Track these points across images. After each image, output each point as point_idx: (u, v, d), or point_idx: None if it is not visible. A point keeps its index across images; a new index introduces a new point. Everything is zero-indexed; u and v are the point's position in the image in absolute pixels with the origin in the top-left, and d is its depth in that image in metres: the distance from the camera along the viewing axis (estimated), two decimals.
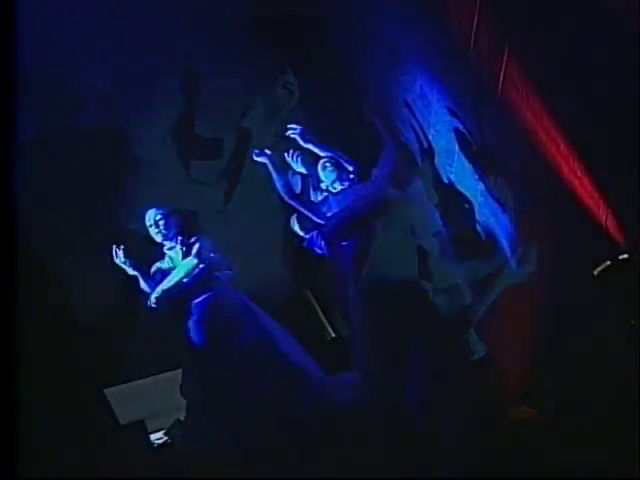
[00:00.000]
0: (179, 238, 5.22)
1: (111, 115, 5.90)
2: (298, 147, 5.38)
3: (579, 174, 4.16)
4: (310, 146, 5.35)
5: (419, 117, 5.36)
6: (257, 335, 5.09)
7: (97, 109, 5.84)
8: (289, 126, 5.42)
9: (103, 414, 4.81)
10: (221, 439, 4.74)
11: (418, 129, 5.40)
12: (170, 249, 5.27)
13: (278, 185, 5.19)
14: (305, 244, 5.28)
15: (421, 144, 5.44)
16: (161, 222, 5.27)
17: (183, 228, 5.32)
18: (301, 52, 5.93)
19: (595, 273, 3.97)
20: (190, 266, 5.15)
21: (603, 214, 4.08)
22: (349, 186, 5.18)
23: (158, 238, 5.31)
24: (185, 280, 5.14)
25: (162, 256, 5.31)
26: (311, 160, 5.36)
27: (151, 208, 5.34)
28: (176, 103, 6.10)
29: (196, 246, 5.16)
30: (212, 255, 5.20)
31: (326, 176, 5.22)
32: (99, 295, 5.57)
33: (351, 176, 5.20)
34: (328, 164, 5.21)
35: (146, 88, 5.90)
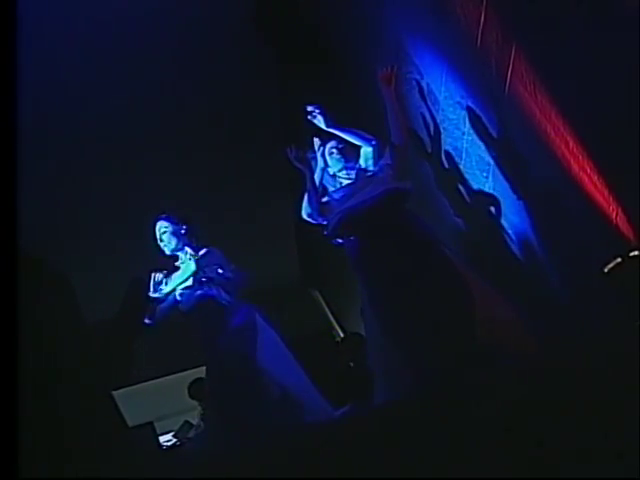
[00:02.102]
0: (187, 250, 5.17)
1: (115, 115, 5.89)
2: (320, 131, 5.14)
3: (589, 171, 4.11)
4: (332, 130, 5.07)
5: (430, 109, 5.30)
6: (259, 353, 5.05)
7: (101, 110, 5.83)
8: (309, 109, 5.11)
9: (111, 416, 4.77)
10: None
11: (429, 119, 5.34)
12: (182, 262, 5.22)
13: (311, 202, 5.00)
14: (326, 232, 4.99)
15: (429, 134, 5.38)
16: (164, 236, 5.21)
17: (191, 240, 5.24)
18: (306, 52, 5.88)
19: (605, 270, 3.92)
20: (189, 271, 5.09)
21: (613, 211, 4.03)
22: (355, 176, 5.03)
23: (167, 251, 5.25)
24: (187, 285, 5.09)
25: (174, 269, 5.27)
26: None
27: (159, 220, 5.26)
28: (178, 105, 6.08)
29: (201, 254, 5.11)
30: (220, 270, 5.12)
31: (332, 163, 5.07)
32: (106, 295, 5.56)
33: (357, 165, 5.07)
34: (334, 150, 5.05)
35: (150, 88, 5.89)
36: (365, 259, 4.80)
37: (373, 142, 5.01)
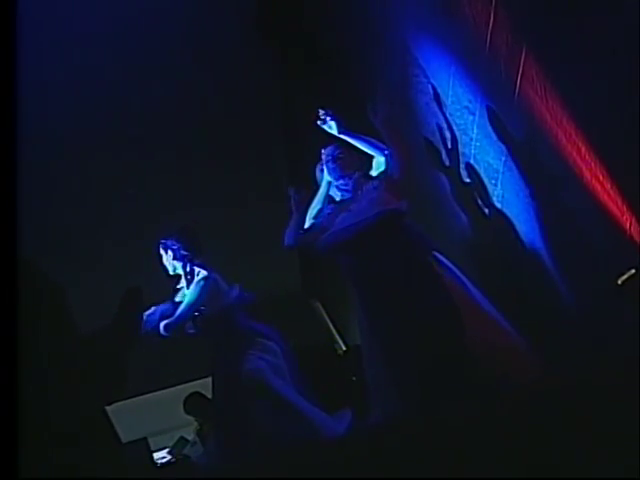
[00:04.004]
0: (187, 272, 5.16)
1: (120, 118, 5.85)
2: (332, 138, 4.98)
3: (601, 178, 4.02)
4: (343, 136, 4.89)
5: (443, 112, 5.19)
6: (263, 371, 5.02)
7: (105, 113, 5.79)
8: (320, 113, 4.90)
9: (104, 432, 4.65)
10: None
11: (445, 127, 5.21)
12: (181, 286, 5.22)
13: (289, 235, 4.95)
14: (317, 250, 4.91)
15: (445, 144, 5.26)
16: (163, 262, 5.26)
17: (187, 259, 5.21)
18: (311, 54, 5.83)
19: (619, 282, 3.83)
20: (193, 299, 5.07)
21: (627, 220, 3.94)
22: (352, 188, 4.91)
23: (170, 272, 5.30)
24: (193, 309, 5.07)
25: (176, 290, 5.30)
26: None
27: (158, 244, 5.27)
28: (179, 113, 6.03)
29: (200, 282, 5.08)
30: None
31: (329, 173, 4.94)
32: (101, 308, 5.48)
33: (356, 174, 4.93)
34: (330, 158, 4.92)
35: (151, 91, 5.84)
36: (358, 278, 4.72)
37: (386, 151, 4.87)
